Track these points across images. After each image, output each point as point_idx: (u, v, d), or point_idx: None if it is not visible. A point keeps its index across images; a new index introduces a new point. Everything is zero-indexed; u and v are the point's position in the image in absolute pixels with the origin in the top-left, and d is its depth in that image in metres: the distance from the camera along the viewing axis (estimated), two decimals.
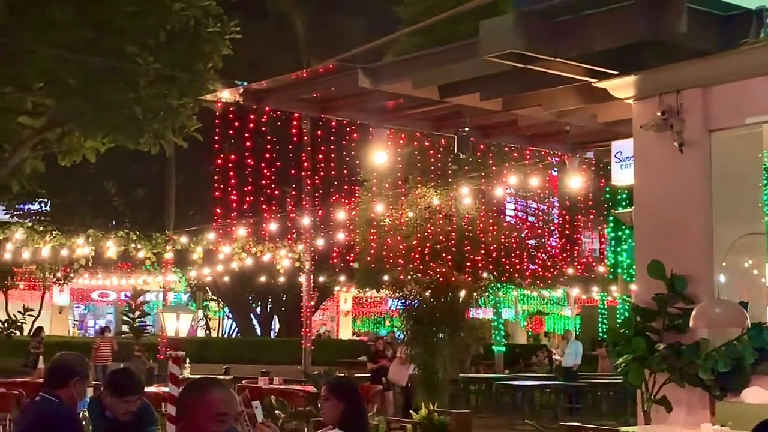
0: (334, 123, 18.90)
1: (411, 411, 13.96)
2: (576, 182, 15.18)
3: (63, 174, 27.45)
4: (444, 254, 18.73)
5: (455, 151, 12.55)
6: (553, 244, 23.39)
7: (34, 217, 34.29)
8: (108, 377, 6.01)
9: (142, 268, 28.05)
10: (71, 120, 19.08)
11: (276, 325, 40.24)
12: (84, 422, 5.29)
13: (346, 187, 22.52)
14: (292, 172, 21.88)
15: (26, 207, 35.71)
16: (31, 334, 24.57)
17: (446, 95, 10.57)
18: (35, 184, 28.65)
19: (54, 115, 20.87)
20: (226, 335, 44.55)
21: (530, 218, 23.00)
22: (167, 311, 10.51)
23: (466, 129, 12.02)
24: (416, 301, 18.68)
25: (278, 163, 21.31)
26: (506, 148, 17.85)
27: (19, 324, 28.79)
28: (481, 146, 17.26)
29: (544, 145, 14.23)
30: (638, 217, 9.06)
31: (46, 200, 36.19)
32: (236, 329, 42.24)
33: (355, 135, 19.51)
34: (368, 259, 20.24)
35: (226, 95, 12.99)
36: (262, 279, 31.38)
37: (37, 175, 25.60)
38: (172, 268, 23.14)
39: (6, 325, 27.55)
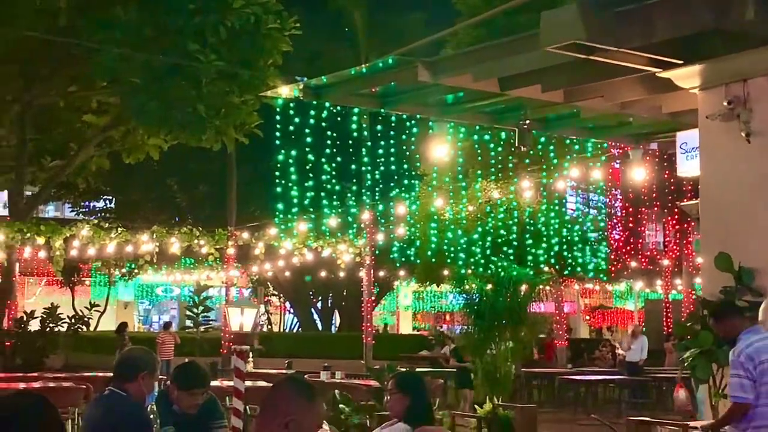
0: (393, 117, 18.95)
1: (476, 405, 13.88)
2: (639, 174, 14.94)
3: (127, 171, 27.87)
4: (505, 248, 18.63)
5: (516, 144, 12.45)
6: (616, 237, 23.10)
7: (99, 214, 34.91)
8: (174, 371, 6.08)
9: (204, 264, 28.33)
10: (136, 118, 19.36)
11: (337, 319, 40.38)
12: (152, 416, 5.35)
13: (405, 181, 22.51)
14: (352, 166, 21.97)
15: (92, 204, 36.41)
16: (116, 330, 24.95)
17: (507, 87, 10.49)
18: (100, 181, 29.20)
19: (118, 114, 21.20)
20: (287, 330, 44.85)
21: (592, 211, 22.74)
22: (231, 306, 10.58)
23: (527, 122, 11.91)
24: (477, 295, 18.58)
25: (338, 158, 21.41)
26: (568, 141, 17.71)
27: (86, 319, 29.22)
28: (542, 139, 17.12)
29: (607, 137, 14.06)
30: (705, 208, 8.91)
31: (110, 197, 36.84)
32: (297, 324, 42.49)
33: (414, 129, 19.53)
34: (428, 253, 20.21)
35: (285, 91, 13.02)
36: (323, 274, 31.48)
37: (102, 173, 26.04)
38: (234, 264, 23.32)
39: (73, 320, 27.96)
